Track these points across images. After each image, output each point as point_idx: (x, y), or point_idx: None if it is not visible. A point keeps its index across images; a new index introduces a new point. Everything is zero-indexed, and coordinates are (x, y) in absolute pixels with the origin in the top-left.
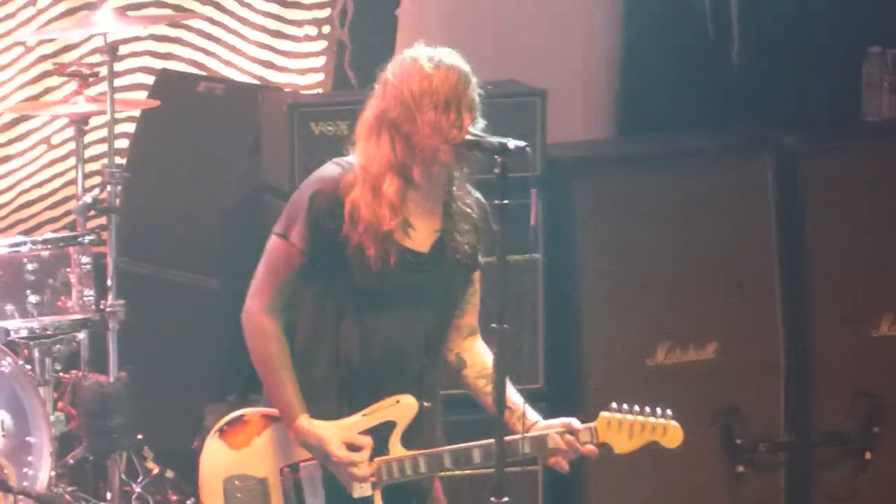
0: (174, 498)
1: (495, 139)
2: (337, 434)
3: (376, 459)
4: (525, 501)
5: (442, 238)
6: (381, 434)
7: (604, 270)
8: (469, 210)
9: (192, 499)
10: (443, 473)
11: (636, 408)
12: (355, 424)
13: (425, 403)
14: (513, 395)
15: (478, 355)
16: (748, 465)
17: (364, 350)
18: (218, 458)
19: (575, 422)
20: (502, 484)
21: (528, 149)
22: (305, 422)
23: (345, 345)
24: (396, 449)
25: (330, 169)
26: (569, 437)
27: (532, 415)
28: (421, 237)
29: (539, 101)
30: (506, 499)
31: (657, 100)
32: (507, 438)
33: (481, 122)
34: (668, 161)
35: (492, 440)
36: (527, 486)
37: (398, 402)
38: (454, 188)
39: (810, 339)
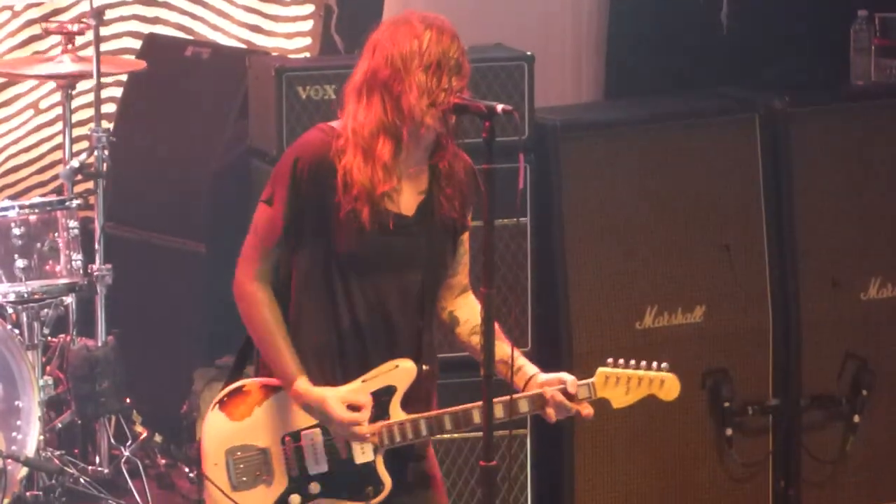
0: (163, 461)
1: (483, 103)
2: (336, 395)
3: (377, 424)
4: (513, 464)
5: (427, 200)
6: (381, 399)
7: (592, 234)
8: (455, 172)
9: (195, 471)
10: (442, 436)
11: (632, 362)
12: (355, 391)
13: (424, 367)
14: (506, 349)
15: (470, 312)
16: (736, 428)
17: (353, 315)
18: (219, 430)
19: (572, 378)
20: (490, 447)
21: (515, 113)
22: (304, 384)
23: (334, 311)
24: (397, 413)
25: (314, 135)
26: (566, 393)
27: (530, 369)
28: (405, 200)
29: (526, 66)
30: (494, 461)
31: (645, 62)
32: (505, 398)
33: (468, 89)
34: (655, 124)
35: (499, 399)
36: (515, 449)
37: (397, 366)
38: (441, 150)
39: (798, 301)
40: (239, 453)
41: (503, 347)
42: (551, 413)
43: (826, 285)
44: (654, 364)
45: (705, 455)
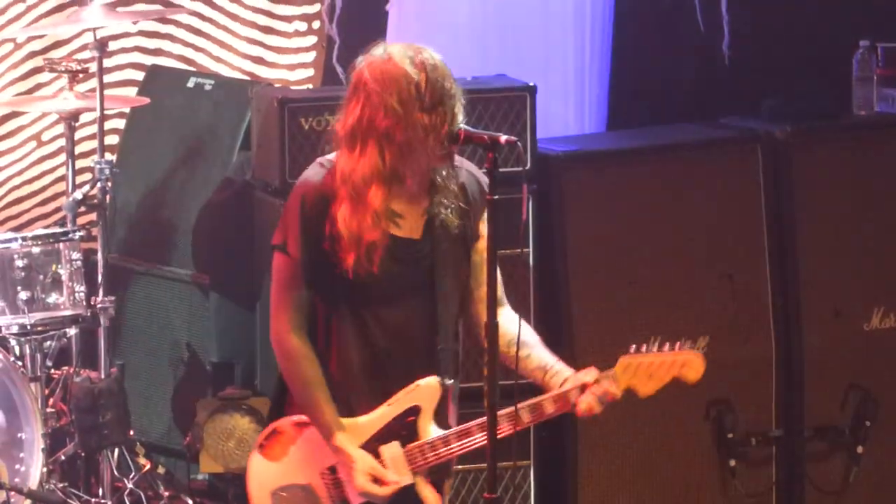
0: (166, 493)
1: (486, 134)
2: (365, 464)
3: (408, 446)
4: (517, 497)
5: (431, 218)
6: (406, 420)
7: (594, 264)
8: (450, 184)
9: None
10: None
11: (654, 347)
12: (381, 417)
13: (447, 381)
14: (543, 355)
15: (505, 325)
16: (740, 458)
17: (374, 347)
18: (261, 473)
19: (593, 369)
20: (494, 478)
21: (518, 144)
22: (342, 439)
23: (355, 341)
24: (426, 431)
25: (315, 171)
26: (589, 389)
27: (565, 372)
28: (411, 223)
29: (529, 96)
30: (497, 494)
31: (648, 93)
32: (532, 401)
33: (464, 116)
34: (658, 155)
35: (523, 402)
36: (519, 480)
37: (418, 385)
38: (441, 169)
39: (802, 332)
40: (283, 493)
41: (541, 355)
42: (580, 407)
43: (829, 315)
44: (677, 345)
45: (709, 486)
